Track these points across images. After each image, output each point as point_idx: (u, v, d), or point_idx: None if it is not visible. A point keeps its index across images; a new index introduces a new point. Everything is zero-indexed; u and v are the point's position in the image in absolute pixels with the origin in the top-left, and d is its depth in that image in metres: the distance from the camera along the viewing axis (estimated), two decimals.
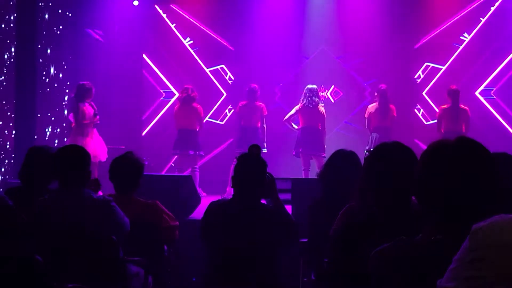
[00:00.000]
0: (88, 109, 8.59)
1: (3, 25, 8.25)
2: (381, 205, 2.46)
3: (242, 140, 9.28)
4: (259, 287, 3.75)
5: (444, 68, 10.92)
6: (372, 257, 1.82)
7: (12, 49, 8.44)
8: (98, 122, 8.69)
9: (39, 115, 8.97)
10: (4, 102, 8.27)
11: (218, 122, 11.20)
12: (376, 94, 9.51)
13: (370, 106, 9.57)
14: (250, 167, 3.81)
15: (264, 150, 9.09)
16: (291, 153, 9.37)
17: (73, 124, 8.60)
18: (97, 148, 8.55)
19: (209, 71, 11.23)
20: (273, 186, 3.88)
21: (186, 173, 9.00)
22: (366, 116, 9.52)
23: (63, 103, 9.79)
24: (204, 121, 9.88)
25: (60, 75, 9.80)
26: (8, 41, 8.42)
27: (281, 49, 10.91)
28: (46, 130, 9.27)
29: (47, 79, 9.25)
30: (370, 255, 1.83)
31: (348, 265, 2.42)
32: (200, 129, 9.31)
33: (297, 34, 11.03)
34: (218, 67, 11.24)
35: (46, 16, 9.45)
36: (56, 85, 9.53)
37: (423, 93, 11.01)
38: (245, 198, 3.79)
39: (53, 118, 9.59)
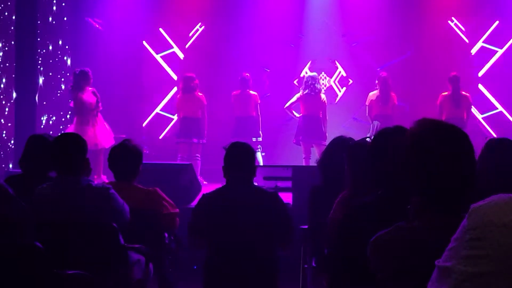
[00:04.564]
0: (89, 97, 8.55)
1: (0, 11, 8.21)
2: (381, 190, 2.45)
3: (237, 129, 9.25)
4: (259, 274, 3.75)
5: None
6: (370, 244, 1.82)
7: (9, 42, 8.40)
8: (101, 109, 8.66)
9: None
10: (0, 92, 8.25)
11: None
12: (377, 81, 9.47)
13: (371, 93, 9.51)
14: (238, 154, 3.81)
15: (260, 139, 9.10)
16: (291, 141, 9.34)
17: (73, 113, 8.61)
18: (100, 135, 8.52)
19: None
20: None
21: (187, 161, 8.99)
22: (367, 103, 9.49)
23: (58, 91, 9.77)
24: None
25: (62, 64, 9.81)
26: (5, 30, 8.37)
27: (277, 35, 10.88)
28: (42, 118, 9.24)
29: (42, 68, 9.21)
30: (369, 241, 1.84)
31: (346, 252, 2.42)
32: (203, 117, 9.26)
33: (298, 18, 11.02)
34: None
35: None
36: (51, 74, 9.50)
37: None
38: (236, 185, 3.79)
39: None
